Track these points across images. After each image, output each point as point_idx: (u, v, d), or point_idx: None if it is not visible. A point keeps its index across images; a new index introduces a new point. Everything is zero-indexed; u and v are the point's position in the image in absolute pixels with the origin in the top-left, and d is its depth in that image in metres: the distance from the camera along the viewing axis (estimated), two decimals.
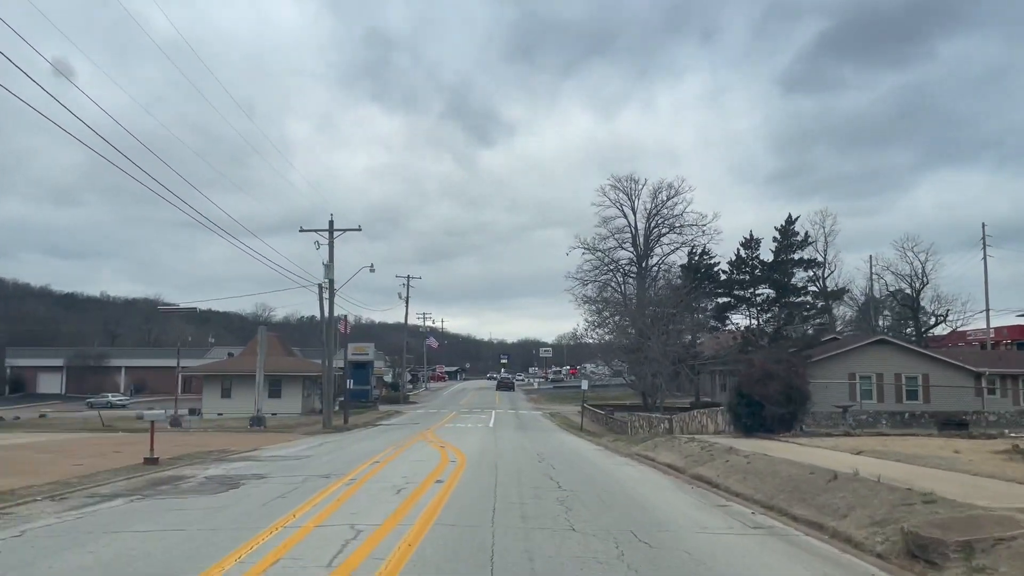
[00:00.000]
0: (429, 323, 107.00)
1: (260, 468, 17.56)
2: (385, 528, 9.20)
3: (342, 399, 44.78)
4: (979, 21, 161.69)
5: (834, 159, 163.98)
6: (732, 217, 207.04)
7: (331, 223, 37.73)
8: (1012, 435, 23.42)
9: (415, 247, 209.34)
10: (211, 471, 16.99)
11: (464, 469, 16.78)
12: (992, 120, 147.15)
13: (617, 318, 54.58)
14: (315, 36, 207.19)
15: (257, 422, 35.82)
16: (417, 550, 7.99)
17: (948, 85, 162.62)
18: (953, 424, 26.57)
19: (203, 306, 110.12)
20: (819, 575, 7.28)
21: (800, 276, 47.81)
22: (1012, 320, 58.87)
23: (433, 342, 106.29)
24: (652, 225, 61.99)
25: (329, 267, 37.19)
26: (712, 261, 56.31)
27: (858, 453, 14.76)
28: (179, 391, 68.16)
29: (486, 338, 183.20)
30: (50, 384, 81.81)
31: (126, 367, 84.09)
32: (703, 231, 58.24)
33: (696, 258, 56.47)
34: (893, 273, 63.24)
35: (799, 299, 46.59)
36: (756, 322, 47.74)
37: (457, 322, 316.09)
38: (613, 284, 62.16)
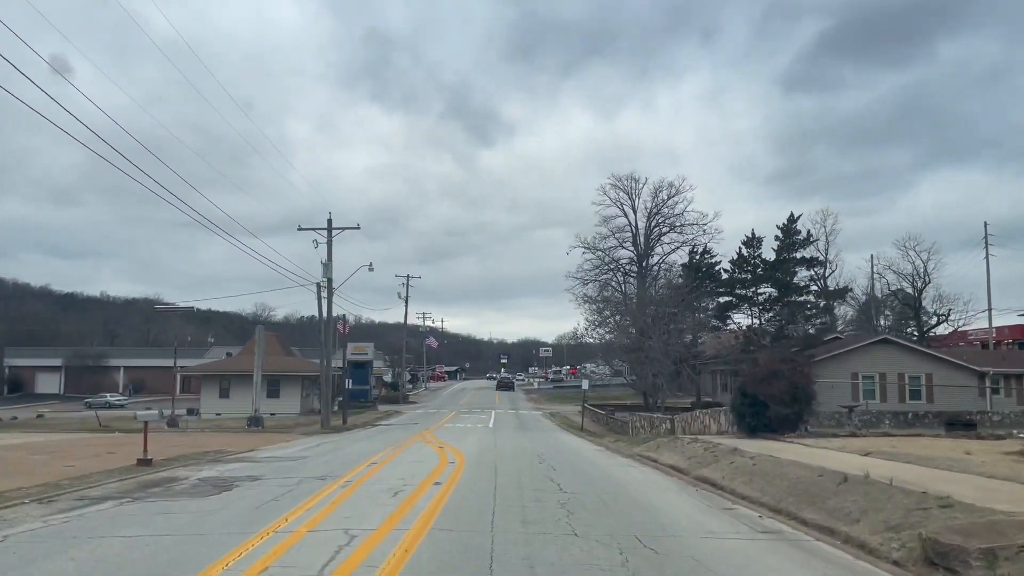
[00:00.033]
0: (429, 323, 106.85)
1: (255, 470, 17.23)
2: (380, 533, 8.87)
3: (341, 399, 44.45)
4: (979, 21, 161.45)
5: (834, 159, 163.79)
6: (732, 217, 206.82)
7: (329, 221, 37.43)
8: (1021, 435, 23.08)
9: (415, 247, 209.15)
10: (205, 473, 16.65)
11: (463, 471, 16.44)
12: (992, 120, 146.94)
13: (618, 317, 54.29)
14: (315, 36, 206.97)
15: (255, 422, 35.50)
16: (413, 557, 7.66)
17: (948, 85, 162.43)
18: (960, 424, 26.23)
19: (202, 306, 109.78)
20: None
21: (802, 275, 47.52)
22: (1014, 320, 58.61)
23: (433, 342, 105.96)
24: (653, 224, 61.69)
25: (327, 266, 36.87)
26: (713, 260, 56.03)
27: (866, 454, 14.42)
28: (178, 391, 67.93)
29: (486, 338, 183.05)
30: (48, 384, 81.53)
31: (125, 367, 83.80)
32: (704, 230, 57.96)
33: (697, 257, 56.16)
34: (895, 272, 62.88)
35: (801, 298, 46.26)
36: (758, 321, 47.42)
37: (457, 322, 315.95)
38: (614, 283, 61.91)
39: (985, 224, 57.67)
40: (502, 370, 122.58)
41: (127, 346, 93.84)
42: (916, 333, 61.82)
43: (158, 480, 15.24)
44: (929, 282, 61.75)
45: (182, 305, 59.73)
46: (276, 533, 8.89)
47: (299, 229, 37.90)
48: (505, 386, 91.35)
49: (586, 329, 60.03)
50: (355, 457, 20.27)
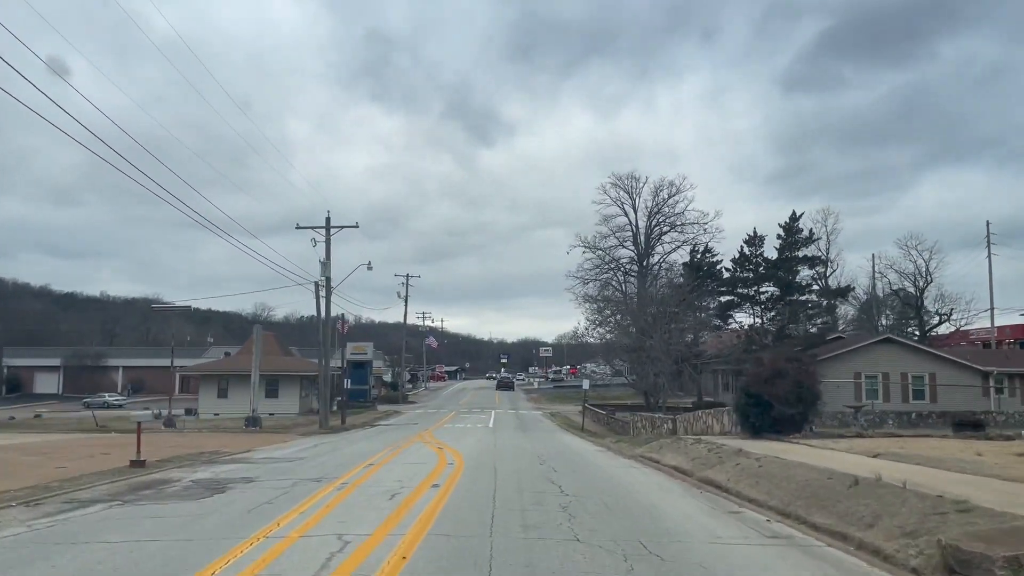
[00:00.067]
0: (429, 323, 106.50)
1: (250, 471, 16.90)
2: (375, 538, 8.53)
3: (340, 399, 44.12)
4: (979, 20, 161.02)
5: (834, 159, 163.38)
6: (732, 217, 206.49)
7: (328, 220, 37.10)
8: None
9: (415, 247, 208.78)
10: (199, 474, 16.33)
11: (462, 472, 16.10)
12: (993, 119, 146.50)
13: (618, 317, 53.98)
14: (315, 36, 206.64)
15: (253, 422, 35.18)
16: (408, 564, 7.33)
17: (949, 84, 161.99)
18: (968, 425, 25.87)
19: (201, 305, 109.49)
20: None
21: (804, 274, 47.19)
22: (1015, 319, 58.25)
23: (433, 342, 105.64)
24: (653, 223, 61.42)
25: (326, 265, 36.54)
26: (715, 259, 55.72)
27: (875, 456, 14.08)
28: (176, 391, 67.58)
29: (486, 338, 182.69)
30: (47, 384, 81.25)
31: (123, 367, 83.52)
32: (704, 229, 57.68)
33: (698, 256, 55.83)
34: (896, 271, 62.50)
35: (803, 297, 45.92)
36: (760, 320, 47.07)
37: (457, 322, 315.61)
38: (614, 283, 61.64)
39: (987, 223, 57.39)
40: (502, 370, 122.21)
41: (126, 346, 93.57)
42: (917, 333, 61.46)
43: (150, 482, 14.91)
44: (931, 281, 61.41)
45: (180, 304, 59.29)
46: (267, 539, 8.55)
47: (297, 227, 37.59)
48: (505, 386, 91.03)
49: (586, 328, 59.77)
50: (352, 458, 19.94)
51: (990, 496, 9.08)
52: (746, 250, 47.14)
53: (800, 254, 45.94)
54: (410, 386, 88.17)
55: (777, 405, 20.50)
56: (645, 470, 17.73)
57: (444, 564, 7.46)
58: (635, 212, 61.63)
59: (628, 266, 62.02)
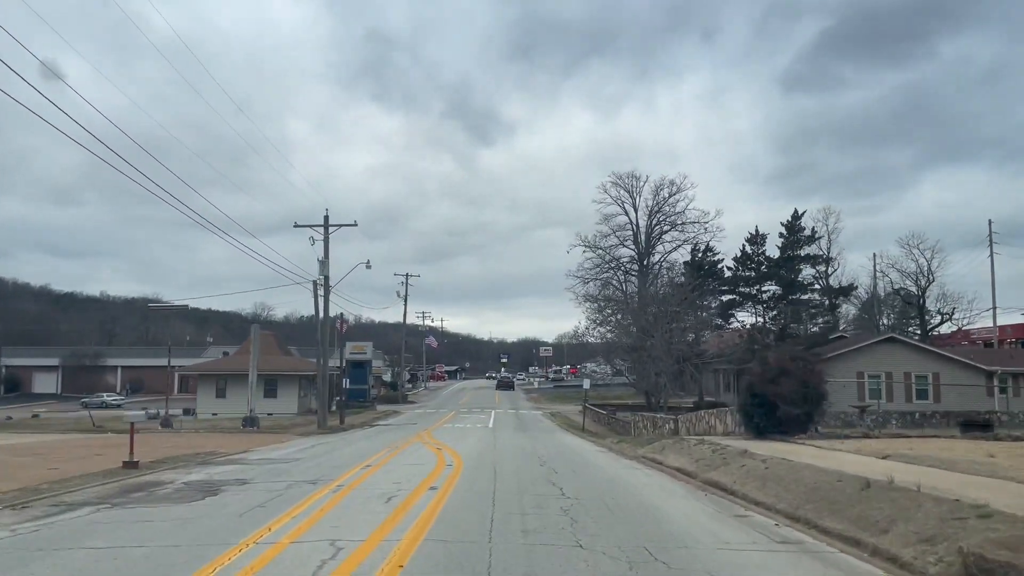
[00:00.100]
0: (429, 322, 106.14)
1: (245, 472, 16.56)
2: (369, 544, 8.20)
3: (339, 399, 43.79)
4: (980, 19, 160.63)
5: (835, 158, 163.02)
6: (733, 217, 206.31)
7: (326, 218, 36.77)
8: None
9: (415, 247, 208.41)
10: (192, 476, 15.99)
11: (461, 474, 15.77)
12: (993, 119, 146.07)
13: (619, 316, 53.65)
14: (315, 36, 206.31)
15: (250, 423, 34.86)
16: (403, 573, 6.99)
17: (949, 84, 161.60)
18: (976, 425, 25.51)
19: (200, 305, 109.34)
20: None
21: (807, 273, 46.84)
22: (1017, 319, 57.89)
23: (432, 341, 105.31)
24: (654, 222, 61.01)
25: (324, 263, 36.20)
26: (716, 258, 55.35)
27: (884, 457, 13.74)
28: (176, 391, 67.31)
29: (486, 337, 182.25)
30: (46, 384, 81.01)
31: (122, 367, 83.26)
32: (705, 228, 57.24)
33: (700, 255, 55.46)
34: (898, 271, 62.13)
35: (806, 296, 45.57)
36: (762, 320, 46.74)
37: (457, 322, 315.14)
38: (615, 282, 61.29)
39: (990, 222, 56.94)
40: (502, 369, 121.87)
41: (125, 345, 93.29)
42: (919, 332, 61.13)
43: (142, 484, 14.58)
44: (933, 280, 61.03)
45: (177, 304, 58.93)
46: (257, 544, 8.21)
47: (295, 226, 37.24)
48: (505, 385, 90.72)
49: (587, 328, 59.44)
50: (350, 459, 19.60)
51: (1009, 500, 8.75)
52: (748, 249, 46.84)
53: (802, 252, 45.59)
54: (410, 386, 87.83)
55: (782, 405, 20.15)
56: (648, 471, 17.39)
57: (441, 572, 7.13)
58: (635, 211, 61.30)
59: (628, 265, 61.69)
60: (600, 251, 60.43)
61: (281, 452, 22.80)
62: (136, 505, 11.71)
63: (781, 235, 45.00)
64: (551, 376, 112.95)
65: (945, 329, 61.58)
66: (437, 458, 19.76)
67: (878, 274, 63.74)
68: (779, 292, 45.34)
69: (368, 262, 40.49)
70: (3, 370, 79.62)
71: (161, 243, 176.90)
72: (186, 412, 45.90)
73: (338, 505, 11.31)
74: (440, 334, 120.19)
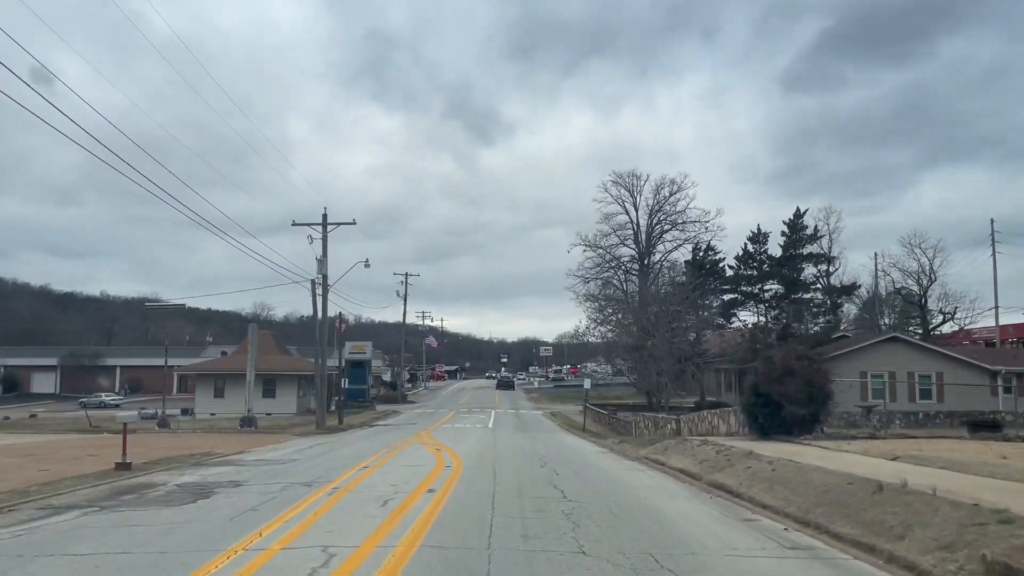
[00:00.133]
0: (429, 322, 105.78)
1: (239, 474, 16.23)
2: (363, 551, 7.86)
3: (338, 399, 43.47)
4: (980, 19, 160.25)
5: (835, 158, 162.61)
6: (733, 216, 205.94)
7: (324, 216, 36.42)
8: None
9: (415, 247, 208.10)
10: (185, 478, 15.67)
11: (459, 476, 15.43)
12: (994, 118, 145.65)
13: (620, 315, 53.32)
14: (315, 36, 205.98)
15: (248, 423, 34.56)
16: None
17: (949, 83, 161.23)
18: (984, 426, 25.16)
19: (200, 305, 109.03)
20: None
21: (809, 272, 46.45)
22: (1018, 318, 57.54)
23: (432, 341, 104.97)
24: (654, 222, 60.70)
25: (322, 262, 35.85)
26: (717, 257, 54.99)
27: (894, 459, 13.41)
28: (175, 390, 67.04)
29: (486, 337, 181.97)
30: (44, 384, 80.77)
31: (121, 366, 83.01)
32: (706, 227, 56.95)
33: (701, 254, 55.11)
34: (900, 270, 61.74)
35: (808, 295, 45.20)
36: (764, 319, 46.36)
37: (457, 321, 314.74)
38: (615, 281, 60.97)
39: (992, 221, 56.57)
40: (502, 369, 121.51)
41: (124, 345, 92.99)
42: (920, 331, 60.76)
43: (133, 486, 14.25)
44: (935, 280, 60.67)
45: (174, 303, 58.62)
46: (246, 551, 7.88)
47: (293, 224, 36.88)
48: (505, 385, 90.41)
49: (588, 327, 59.11)
50: (347, 460, 19.27)
51: None
52: (750, 247, 46.46)
53: (805, 251, 45.20)
54: (409, 386, 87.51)
55: (787, 405, 19.80)
56: (650, 472, 17.06)
57: None
58: (636, 210, 60.98)
59: (629, 265, 61.38)
60: (600, 250, 60.18)
61: (278, 453, 22.48)
62: (125, 508, 11.38)
63: (783, 233, 44.64)
64: (551, 376, 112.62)
65: (947, 329, 61.28)
66: (436, 459, 19.44)
67: (879, 273, 63.44)
68: (781, 291, 44.96)
69: (367, 261, 40.13)
70: (1, 370, 79.33)
71: (161, 243, 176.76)
72: (184, 412, 45.62)
73: (333, 508, 10.98)
74: (440, 334, 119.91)
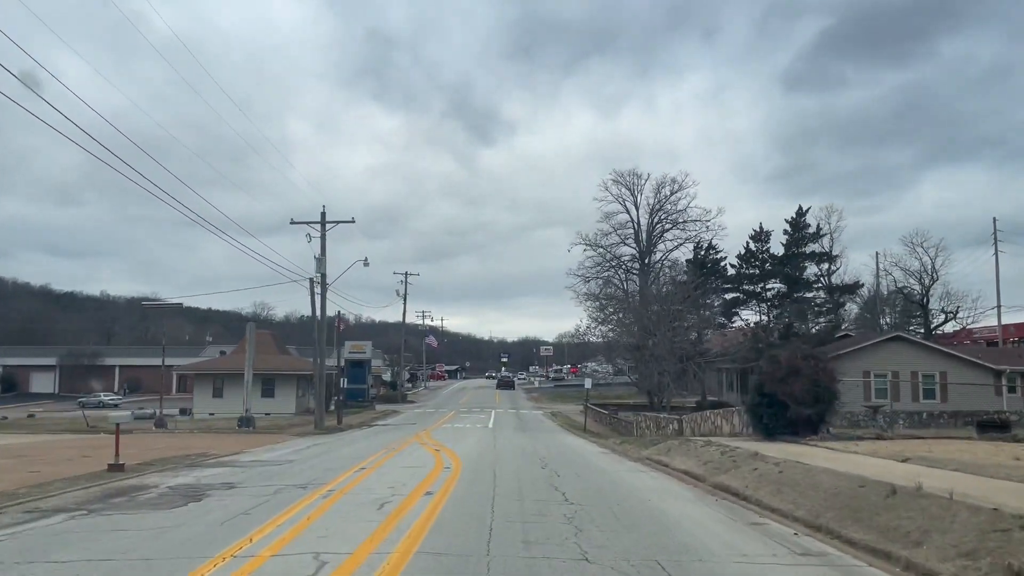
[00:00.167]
0: (429, 322, 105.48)
1: (234, 475, 15.91)
2: (356, 558, 7.54)
3: (337, 399, 43.15)
4: (980, 19, 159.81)
5: (835, 157, 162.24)
6: (733, 216, 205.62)
7: (323, 215, 36.10)
8: None
9: (415, 246, 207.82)
10: (179, 479, 15.34)
11: (458, 477, 15.10)
12: (994, 118, 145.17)
13: (620, 315, 53.00)
14: (315, 35, 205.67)
15: (245, 423, 34.23)
16: None
17: (950, 83, 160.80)
18: (993, 426, 24.79)
19: (199, 304, 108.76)
20: None
21: (812, 271, 46.06)
22: (1020, 317, 57.19)
23: (433, 341, 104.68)
24: (655, 220, 60.39)
25: (320, 261, 35.54)
26: (719, 256, 54.65)
27: (904, 460, 13.06)
28: (174, 390, 66.75)
29: (486, 337, 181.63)
30: (43, 383, 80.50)
31: (120, 366, 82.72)
32: (707, 227, 56.62)
33: (703, 252, 54.77)
34: (902, 269, 61.37)
35: (811, 294, 44.82)
36: (766, 318, 46.00)
37: (457, 321, 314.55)
38: (615, 280, 60.67)
39: (994, 220, 56.27)
40: (502, 369, 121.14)
41: (123, 345, 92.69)
42: (922, 331, 60.41)
43: (124, 488, 13.92)
44: (937, 279, 60.32)
45: (172, 302, 58.31)
46: (234, 558, 7.55)
47: (292, 222, 36.55)
48: (505, 385, 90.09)
49: (588, 327, 58.80)
50: (344, 461, 18.95)
51: None
52: (752, 245, 46.08)
53: (807, 250, 44.82)
54: (410, 385, 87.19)
55: (793, 405, 19.43)
56: (653, 474, 16.73)
57: None
58: (637, 209, 60.67)
59: (630, 264, 61.09)
60: (601, 249, 59.90)
61: (275, 454, 22.16)
62: (114, 512, 11.06)
63: (785, 231, 44.30)
64: (552, 375, 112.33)
65: (948, 328, 60.91)
66: (435, 460, 19.12)
67: (881, 272, 63.09)
68: (784, 290, 44.59)
69: (366, 259, 39.83)
70: (0, 370, 79.06)
71: (161, 243, 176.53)
72: (183, 412, 45.32)
73: (327, 512, 10.64)
74: (440, 333, 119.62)
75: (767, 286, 46.26)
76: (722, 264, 53.41)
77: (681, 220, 58.86)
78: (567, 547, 8.27)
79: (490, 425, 37.34)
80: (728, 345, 49.12)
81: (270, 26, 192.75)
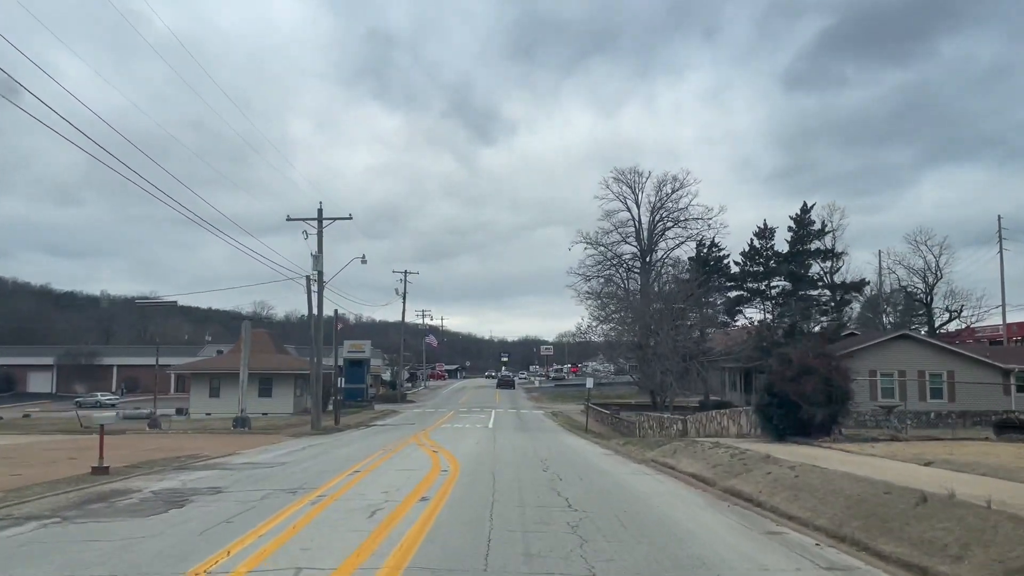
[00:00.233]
0: (429, 321, 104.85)
1: (222, 479, 15.25)
2: (341, 573, 6.87)
3: (335, 398, 42.51)
4: (981, 18, 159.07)
5: (836, 156, 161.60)
6: (734, 215, 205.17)
7: (320, 211, 35.44)
8: None
9: (415, 246, 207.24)
10: (164, 483, 14.68)
11: (456, 481, 14.44)
12: (994, 118, 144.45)
13: (621, 313, 52.35)
14: (316, 35, 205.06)
15: (241, 423, 33.59)
16: None
17: (950, 82, 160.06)
18: (1012, 427, 24.08)
19: (198, 304, 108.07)
20: None
21: (816, 269, 45.31)
22: (1022, 316, 56.54)
23: (432, 340, 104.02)
24: (656, 219, 59.76)
25: (317, 258, 34.89)
26: (722, 253, 53.96)
27: (927, 464, 12.39)
28: (172, 390, 66.06)
29: (486, 336, 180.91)
30: (40, 383, 79.94)
31: (118, 365, 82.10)
32: (708, 225, 56.01)
33: (705, 250, 54.09)
34: (905, 267, 60.62)
35: (816, 292, 44.11)
36: (770, 316, 45.30)
37: (457, 320, 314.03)
38: (616, 279, 60.03)
39: (999, 217, 55.69)
40: (503, 368, 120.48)
41: (122, 344, 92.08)
42: (926, 329, 59.69)
43: (105, 493, 13.25)
44: (941, 277, 59.59)
45: (167, 300, 57.68)
46: (207, 575, 6.90)
47: (288, 219, 35.96)
48: (506, 384, 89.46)
49: (590, 325, 58.14)
50: (339, 463, 18.29)
51: None
52: (756, 242, 45.38)
53: (812, 247, 44.12)
54: (409, 385, 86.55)
55: (805, 405, 18.75)
56: (659, 477, 16.05)
57: None
58: (638, 207, 60.03)
59: (631, 262, 60.47)
60: (602, 248, 59.32)
61: (268, 455, 21.49)
62: (89, 519, 10.39)
63: (790, 228, 43.58)
64: (552, 375, 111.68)
65: (952, 327, 60.18)
66: (432, 462, 18.45)
67: (886, 270, 62.36)
68: (788, 288, 43.88)
69: (363, 256, 39.26)
70: None
71: (161, 242, 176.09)
72: (179, 412, 44.73)
73: (314, 520, 9.97)
74: (440, 333, 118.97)
75: (771, 284, 45.55)
76: (725, 262, 52.80)
77: (683, 218, 58.29)
78: (572, 561, 7.60)
79: (490, 425, 36.69)
80: (731, 344, 48.40)
81: (270, 26, 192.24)
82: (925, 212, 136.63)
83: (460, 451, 21.83)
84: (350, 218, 37.07)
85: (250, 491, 13.08)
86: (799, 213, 44.26)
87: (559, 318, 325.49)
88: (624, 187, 59.94)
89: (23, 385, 79.18)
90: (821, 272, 47.76)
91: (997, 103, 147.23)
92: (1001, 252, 54.80)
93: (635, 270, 60.18)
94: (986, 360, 39.73)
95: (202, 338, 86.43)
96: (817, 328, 43.02)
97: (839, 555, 8.12)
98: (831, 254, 46.70)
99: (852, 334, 44.48)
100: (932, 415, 37.28)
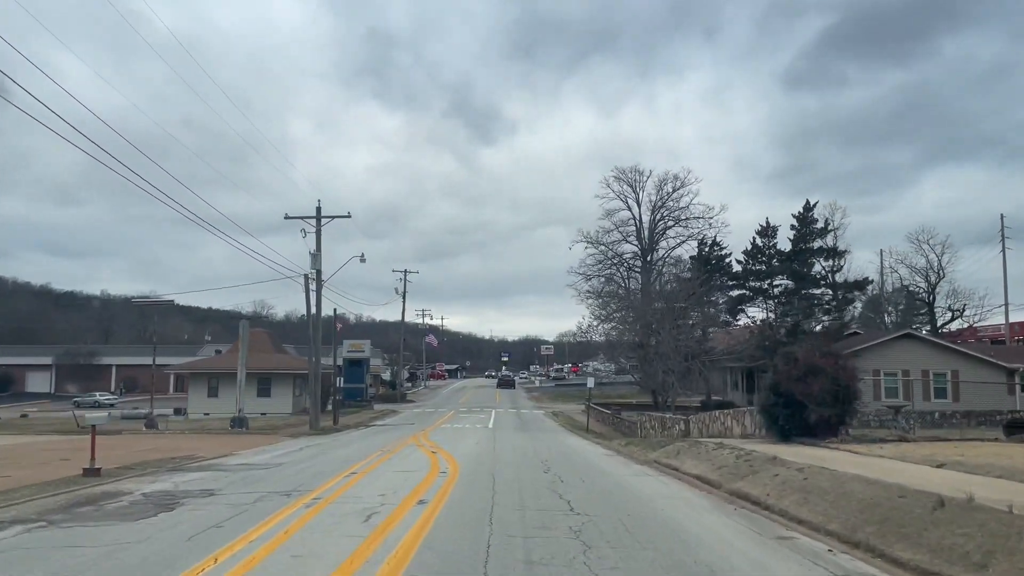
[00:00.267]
0: (429, 321, 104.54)
1: (216, 481, 14.92)
2: None
3: (334, 398, 42.19)
4: (982, 18, 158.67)
5: (836, 156, 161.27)
6: (734, 215, 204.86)
7: (318, 209, 35.11)
8: None
9: (416, 246, 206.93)
10: (156, 485, 14.35)
11: (455, 483, 14.10)
12: (994, 118, 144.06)
13: (622, 313, 52.00)
14: (316, 35, 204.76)
15: (239, 423, 33.26)
16: None
17: (951, 82, 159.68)
18: (1023, 427, 23.71)
19: (198, 303, 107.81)
20: None
21: (818, 268, 44.93)
22: (1022, 316, 56.26)
23: (433, 340, 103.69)
24: (657, 218, 59.40)
25: (316, 257, 34.56)
26: (723, 252, 53.62)
27: (939, 466, 12.06)
28: (171, 390, 65.77)
29: (487, 336, 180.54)
30: (39, 383, 79.64)
31: (117, 365, 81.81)
32: (710, 224, 55.65)
33: (707, 248, 53.75)
34: (907, 267, 60.26)
35: (819, 291, 43.74)
36: (773, 315, 44.92)
37: (458, 320, 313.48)
38: (617, 278, 59.66)
39: (1002, 216, 55.39)
40: (503, 368, 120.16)
41: (121, 344, 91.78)
42: (928, 328, 59.35)
43: (95, 496, 12.92)
44: (943, 276, 59.25)
45: (163, 299, 57.36)
46: None
47: (286, 217, 35.66)
48: (506, 384, 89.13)
49: (591, 325, 57.80)
50: (336, 464, 17.95)
51: None
52: (758, 241, 44.99)
53: (815, 245, 43.75)
54: (409, 385, 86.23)
55: (811, 405, 18.41)
56: (663, 479, 15.72)
57: None
58: (639, 206, 59.66)
59: (632, 261, 60.09)
60: (603, 247, 58.94)
61: (264, 456, 21.16)
62: (75, 524, 10.06)
63: (792, 227, 43.23)
64: (552, 375, 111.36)
65: (954, 326, 59.84)
66: (431, 463, 18.12)
67: (888, 270, 61.99)
68: (791, 286, 43.53)
69: (362, 255, 39.00)
70: None
71: (161, 242, 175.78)
72: (177, 412, 44.40)
73: (308, 525, 9.64)
74: (440, 332, 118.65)
75: (774, 282, 45.20)
76: (727, 261, 52.46)
77: (684, 217, 57.93)
78: (575, 568, 7.27)
79: (490, 425, 36.36)
80: (733, 343, 48.04)
81: (270, 26, 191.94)
82: (925, 212, 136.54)
83: (459, 452, 21.50)
84: (348, 216, 36.79)
85: (244, 494, 12.75)
86: (802, 211, 43.91)
87: (559, 318, 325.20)
88: (625, 186, 59.64)
89: (22, 385, 78.92)
90: (823, 271, 47.45)
91: (997, 103, 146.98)
92: (1004, 251, 54.55)
93: (636, 269, 59.86)
94: (990, 359, 39.41)
95: (202, 338, 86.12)
96: (819, 327, 42.65)
97: (853, 562, 7.78)
98: (834, 253, 46.32)
99: (854, 333, 44.12)
100: (936, 415, 36.93)
